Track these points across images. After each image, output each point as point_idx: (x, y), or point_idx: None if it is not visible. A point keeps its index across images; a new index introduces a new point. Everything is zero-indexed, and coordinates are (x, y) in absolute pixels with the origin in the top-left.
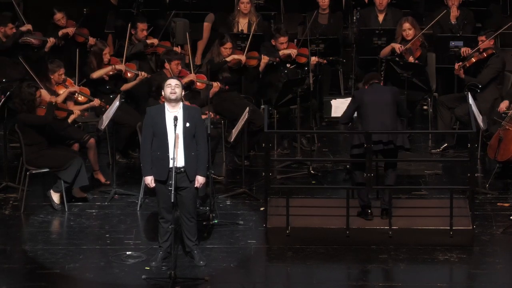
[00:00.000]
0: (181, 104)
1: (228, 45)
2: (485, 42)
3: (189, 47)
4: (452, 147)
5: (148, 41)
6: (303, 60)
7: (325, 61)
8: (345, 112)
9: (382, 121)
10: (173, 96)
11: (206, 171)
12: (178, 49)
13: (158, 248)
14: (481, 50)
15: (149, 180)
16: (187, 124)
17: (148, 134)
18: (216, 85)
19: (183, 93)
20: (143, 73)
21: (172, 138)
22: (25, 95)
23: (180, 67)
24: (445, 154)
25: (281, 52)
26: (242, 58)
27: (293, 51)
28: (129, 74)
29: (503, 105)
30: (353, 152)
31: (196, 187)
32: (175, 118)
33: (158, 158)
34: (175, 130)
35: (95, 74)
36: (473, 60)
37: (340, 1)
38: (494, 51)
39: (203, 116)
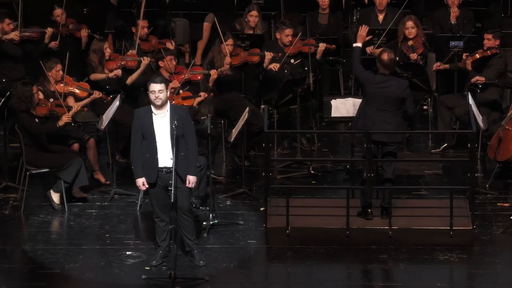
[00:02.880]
0: (168, 105)
1: (230, 41)
2: (491, 41)
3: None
4: (452, 147)
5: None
6: (307, 49)
7: (333, 46)
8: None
9: (383, 115)
10: (158, 102)
11: (196, 170)
12: (170, 45)
13: (158, 248)
14: (485, 48)
15: (141, 182)
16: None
17: (137, 136)
18: (213, 73)
19: (169, 94)
20: (145, 58)
21: (161, 139)
22: (22, 93)
23: (174, 62)
24: (445, 154)
25: (265, 65)
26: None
27: (275, 66)
28: (130, 63)
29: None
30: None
31: (189, 188)
32: (175, 120)
33: (147, 160)
34: (175, 131)
35: (93, 77)
36: (477, 56)
37: (340, 1)
38: (497, 51)
39: (203, 117)
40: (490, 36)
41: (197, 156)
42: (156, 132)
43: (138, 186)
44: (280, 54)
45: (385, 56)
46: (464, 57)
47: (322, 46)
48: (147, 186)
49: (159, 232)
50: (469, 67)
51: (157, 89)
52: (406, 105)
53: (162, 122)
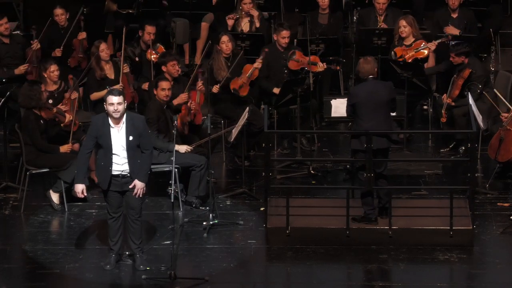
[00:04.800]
0: (124, 117)
1: (224, 38)
2: (455, 59)
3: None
4: (455, 146)
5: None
6: (314, 69)
7: (338, 67)
8: (346, 110)
9: (377, 120)
10: (116, 115)
11: (146, 178)
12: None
13: (110, 251)
14: (454, 64)
15: (80, 189)
16: (130, 138)
17: (91, 142)
18: (215, 89)
19: (126, 105)
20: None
21: (117, 151)
22: (31, 90)
23: (177, 67)
24: (454, 153)
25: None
26: (215, 89)
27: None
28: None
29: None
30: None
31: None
32: (175, 118)
33: (101, 167)
34: (175, 130)
35: (94, 96)
36: (456, 92)
37: (340, 1)
38: (471, 70)
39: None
40: (453, 54)
41: (150, 164)
42: (113, 145)
43: (77, 192)
44: (286, 72)
45: (360, 60)
46: (443, 99)
47: (321, 67)
48: (85, 194)
49: (112, 233)
50: (452, 104)
51: (115, 102)
52: (392, 105)
53: (119, 136)
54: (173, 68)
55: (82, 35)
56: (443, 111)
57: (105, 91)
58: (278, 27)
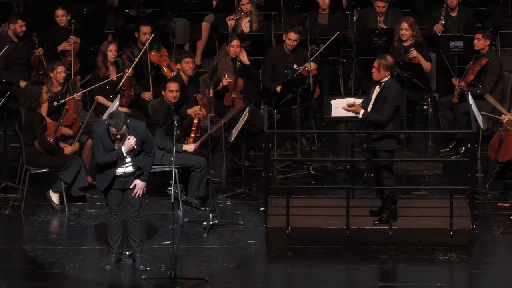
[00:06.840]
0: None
1: (235, 42)
2: (481, 41)
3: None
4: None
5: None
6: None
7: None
8: (388, 113)
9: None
10: (118, 140)
11: (147, 178)
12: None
13: (111, 251)
14: (476, 48)
15: (130, 142)
16: (134, 146)
17: (101, 148)
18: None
19: (128, 126)
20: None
21: (121, 157)
22: (30, 90)
23: (192, 65)
24: (454, 153)
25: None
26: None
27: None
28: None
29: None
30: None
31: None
32: (175, 118)
33: (104, 168)
34: (176, 130)
35: (99, 100)
36: (471, 77)
37: (340, 1)
38: (488, 59)
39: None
40: (480, 36)
41: (151, 165)
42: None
43: (130, 145)
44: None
45: (391, 58)
46: (457, 84)
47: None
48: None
49: (112, 232)
50: (465, 88)
51: (118, 135)
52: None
53: (122, 143)
54: (187, 65)
55: (72, 39)
56: (456, 92)
57: (110, 103)
58: (288, 28)
